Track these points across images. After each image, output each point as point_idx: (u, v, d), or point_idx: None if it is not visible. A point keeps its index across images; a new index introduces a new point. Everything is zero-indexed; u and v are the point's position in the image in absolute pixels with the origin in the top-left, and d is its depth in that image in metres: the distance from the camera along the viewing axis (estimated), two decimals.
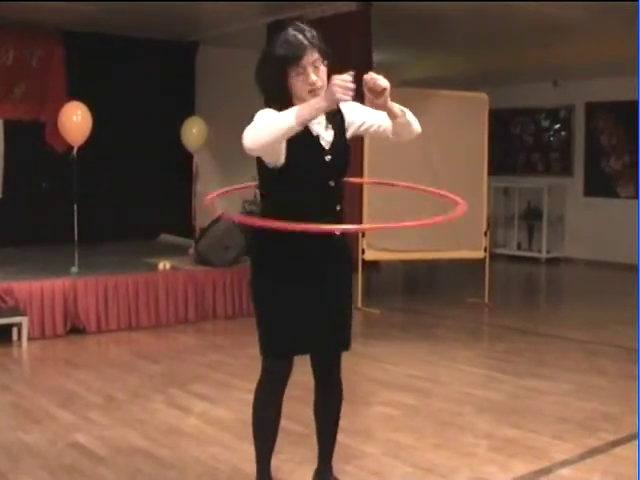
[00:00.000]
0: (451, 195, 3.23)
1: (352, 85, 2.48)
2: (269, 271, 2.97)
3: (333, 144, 2.93)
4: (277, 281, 2.96)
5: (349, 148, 3.02)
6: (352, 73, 2.50)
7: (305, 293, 2.95)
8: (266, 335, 3.00)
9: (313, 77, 2.76)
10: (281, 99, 2.76)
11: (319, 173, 2.90)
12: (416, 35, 9.32)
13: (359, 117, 3.01)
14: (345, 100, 2.50)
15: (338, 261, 3.04)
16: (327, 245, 2.98)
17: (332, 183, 2.94)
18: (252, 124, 2.64)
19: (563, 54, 9.74)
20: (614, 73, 10.50)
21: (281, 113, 2.58)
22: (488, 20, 8.32)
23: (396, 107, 2.88)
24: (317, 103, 2.56)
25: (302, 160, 2.83)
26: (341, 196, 3.00)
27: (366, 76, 2.70)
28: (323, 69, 2.79)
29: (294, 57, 2.73)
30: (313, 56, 2.75)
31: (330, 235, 2.97)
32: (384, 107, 2.78)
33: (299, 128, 2.56)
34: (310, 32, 2.79)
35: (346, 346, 3.12)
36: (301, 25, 2.82)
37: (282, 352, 2.99)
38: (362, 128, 3.03)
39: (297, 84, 2.78)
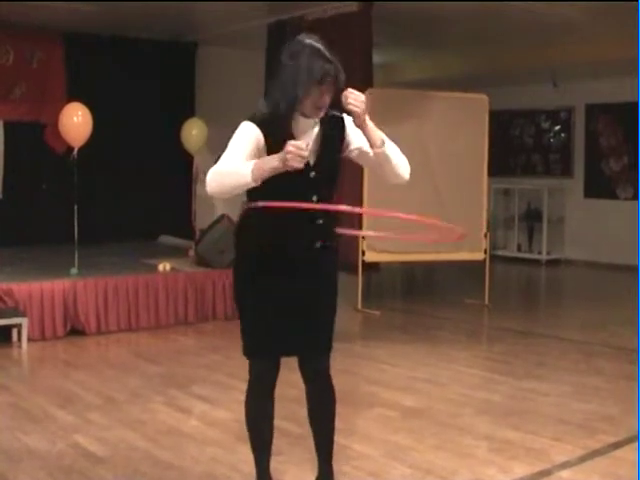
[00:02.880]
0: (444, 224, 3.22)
1: (305, 153, 2.64)
2: (247, 272, 3.04)
3: (320, 158, 2.95)
4: (254, 282, 3.01)
5: (339, 161, 3.04)
6: (308, 143, 2.67)
7: (283, 293, 2.99)
8: (245, 334, 3.07)
9: (326, 99, 2.86)
10: (289, 103, 2.83)
11: (301, 189, 2.91)
12: (417, 36, 9.33)
13: (355, 139, 3.05)
14: (296, 167, 2.65)
15: (319, 263, 3.05)
16: (309, 252, 3.01)
17: (315, 198, 2.94)
18: (216, 168, 2.85)
19: (563, 55, 9.75)
20: (614, 74, 10.49)
21: (240, 169, 2.76)
22: (488, 21, 8.34)
23: (377, 134, 2.92)
24: (270, 164, 2.70)
25: (284, 177, 2.78)
26: (325, 210, 2.97)
27: (345, 92, 2.83)
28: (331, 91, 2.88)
29: (320, 82, 2.80)
30: (330, 84, 2.84)
31: (311, 243, 3.00)
32: (362, 126, 2.88)
33: (255, 184, 2.75)
34: (335, 63, 2.84)
35: (327, 348, 3.10)
36: (328, 52, 2.85)
37: (261, 351, 3.04)
38: (351, 147, 3.05)
39: (308, 99, 2.84)
